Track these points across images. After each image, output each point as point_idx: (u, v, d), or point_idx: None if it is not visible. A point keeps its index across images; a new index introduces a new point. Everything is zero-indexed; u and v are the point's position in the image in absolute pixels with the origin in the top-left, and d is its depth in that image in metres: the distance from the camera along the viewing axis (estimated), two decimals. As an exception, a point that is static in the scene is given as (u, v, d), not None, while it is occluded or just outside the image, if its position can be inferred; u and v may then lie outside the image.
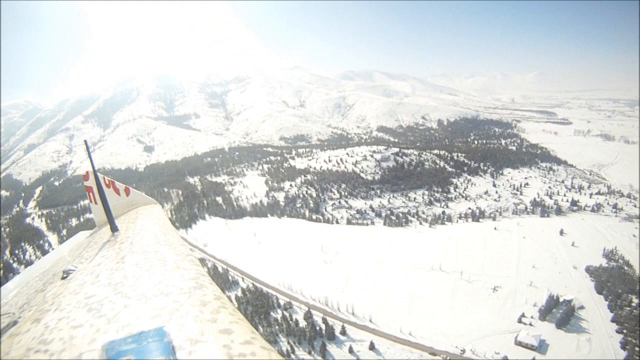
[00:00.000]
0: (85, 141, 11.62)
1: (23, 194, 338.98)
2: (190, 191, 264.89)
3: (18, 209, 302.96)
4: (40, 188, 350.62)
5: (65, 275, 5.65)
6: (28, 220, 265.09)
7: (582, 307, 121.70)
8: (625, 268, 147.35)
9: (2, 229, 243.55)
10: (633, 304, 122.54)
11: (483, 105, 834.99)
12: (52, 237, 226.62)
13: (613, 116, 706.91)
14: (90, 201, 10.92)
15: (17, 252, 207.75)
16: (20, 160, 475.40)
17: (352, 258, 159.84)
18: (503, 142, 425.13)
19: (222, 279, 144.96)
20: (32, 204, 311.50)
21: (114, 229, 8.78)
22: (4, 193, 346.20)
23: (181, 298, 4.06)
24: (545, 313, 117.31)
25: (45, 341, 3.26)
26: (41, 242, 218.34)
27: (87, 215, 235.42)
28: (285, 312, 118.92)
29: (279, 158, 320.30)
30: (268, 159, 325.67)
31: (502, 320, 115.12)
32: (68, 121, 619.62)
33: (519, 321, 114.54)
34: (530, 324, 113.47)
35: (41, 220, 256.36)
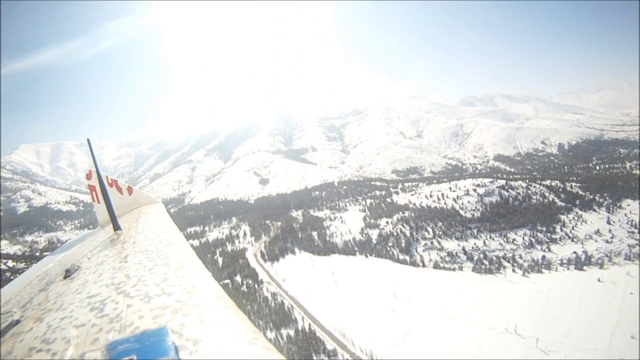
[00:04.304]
0: (87, 139, 10.35)
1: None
2: (290, 224, 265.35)
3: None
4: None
5: (68, 275, 5.70)
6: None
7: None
8: None
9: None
10: None
11: (610, 122, 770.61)
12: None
13: None
14: (93, 200, 11.01)
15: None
16: (144, 188, 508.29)
17: (422, 308, 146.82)
18: (628, 165, 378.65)
19: (283, 316, 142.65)
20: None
21: (116, 228, 8.68)
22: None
23: (184, 298, 3.99)
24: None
25: (47, 340, 3.23)
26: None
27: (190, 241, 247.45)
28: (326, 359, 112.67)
29: (384, 193, 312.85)
30: (373, 193, 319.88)
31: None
32: (192, 154, 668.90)
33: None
34: None
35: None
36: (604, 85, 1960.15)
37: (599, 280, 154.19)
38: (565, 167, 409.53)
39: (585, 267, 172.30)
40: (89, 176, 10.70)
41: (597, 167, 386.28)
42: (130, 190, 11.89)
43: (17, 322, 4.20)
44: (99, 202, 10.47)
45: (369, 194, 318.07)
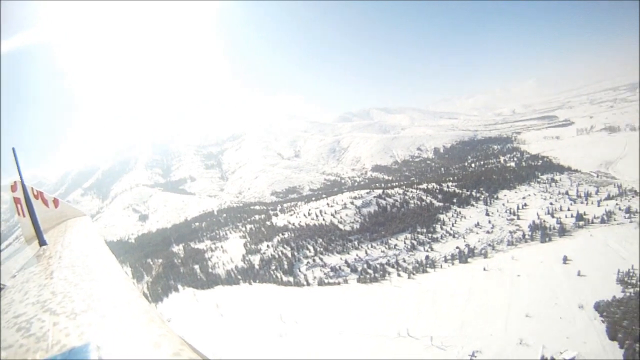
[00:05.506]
0: (13, 149, 10.08)
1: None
2: (171, 260, 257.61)
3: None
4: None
5: None
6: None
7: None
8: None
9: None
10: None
11: (483, 123, 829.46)
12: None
13: (615, 105, 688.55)
14: (18, 214, 10.98)
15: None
16: (20, 238, 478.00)
17: (310, 329, 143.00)
18: (502, 159, 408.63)
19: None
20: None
21: (42, 243, 8.68)
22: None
23: (110, 313, 4.06)
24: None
25: None
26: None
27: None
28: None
29: (263, 216, 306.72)
30: (253, 218, 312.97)
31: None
32: (69, 194, 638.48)
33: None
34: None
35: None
36: (477, 90, 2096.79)
37: (484, 269, 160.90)
38: (442, 169, 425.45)
39: (469, 260, 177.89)
40: (13, 188, 10.42)
41: (473, 165, 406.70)
42: (56, 202, 11.62)
43: None
44: (24, 216, 10.30)
45: (249, 219, 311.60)
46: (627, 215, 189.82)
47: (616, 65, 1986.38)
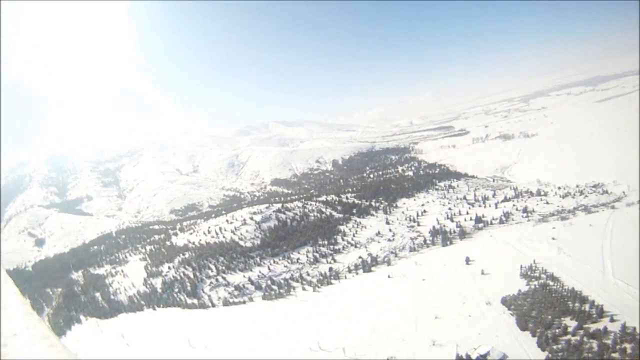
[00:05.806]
0: None
1: None
2: (71, 289, 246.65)
3: None
4: None
5: None
6: None
7: (503, 359, 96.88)
8: (551, 284, 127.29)
9: None
10: (569, 330, 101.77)
11: (381, 135, 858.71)
12: None
13: (509, 115, 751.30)
14: None
15: None
16: None
17: (220, 351, 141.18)
18: (400, 168, 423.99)
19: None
20: None
21: None
22: None
23: (10, 341, 3.94)
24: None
25: None
26: None
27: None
28: None
29: (163, 236, 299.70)
30: (152, 238, 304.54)
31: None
32: None
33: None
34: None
35: None
36: (374, 103, 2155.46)
37: (389, 276, 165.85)
38: (341, 181, 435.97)
39: (373, 268, 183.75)
40: None
41: (371, 176, 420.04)
42: None
43: None
44: None
45: (149, 240, 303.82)
46: (524, 215, 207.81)
47: (507, 79, 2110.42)
